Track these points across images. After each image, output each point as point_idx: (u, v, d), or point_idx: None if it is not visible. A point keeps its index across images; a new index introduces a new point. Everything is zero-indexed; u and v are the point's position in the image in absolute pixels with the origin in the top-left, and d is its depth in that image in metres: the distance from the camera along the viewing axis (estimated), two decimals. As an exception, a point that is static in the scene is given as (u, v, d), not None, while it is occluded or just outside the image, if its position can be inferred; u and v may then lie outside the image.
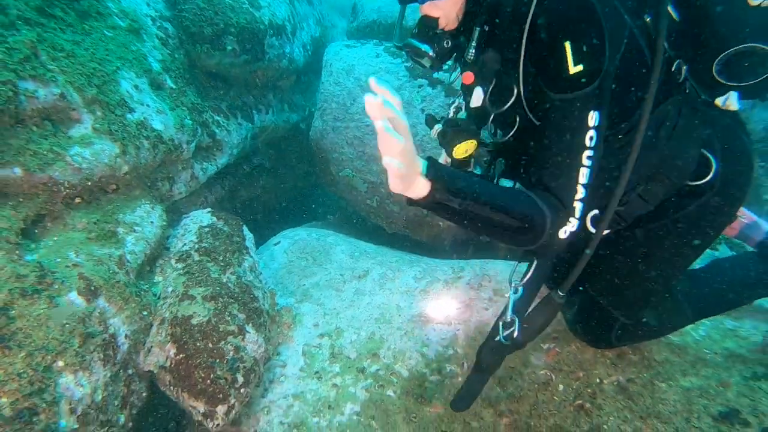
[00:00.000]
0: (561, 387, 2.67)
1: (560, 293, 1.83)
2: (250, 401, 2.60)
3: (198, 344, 2.30)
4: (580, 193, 1.56)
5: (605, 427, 2.45)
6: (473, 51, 1.76)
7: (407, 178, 1.32)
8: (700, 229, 2.05)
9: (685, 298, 2.44)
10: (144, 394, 2.36)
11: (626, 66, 1.63)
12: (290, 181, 5.49)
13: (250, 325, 2.51)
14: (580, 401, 2.58)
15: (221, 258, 2.78)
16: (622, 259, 2.21)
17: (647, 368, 2.69)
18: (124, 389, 2.19)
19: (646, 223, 2.10)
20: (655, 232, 2.11)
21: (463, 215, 1.46)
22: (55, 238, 2.24)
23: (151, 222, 2.71)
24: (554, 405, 2.59)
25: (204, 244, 2.84)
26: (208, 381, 2.21)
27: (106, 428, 2.01)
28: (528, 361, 2.76)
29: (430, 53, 1.76)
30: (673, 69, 1.88)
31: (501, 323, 1.96)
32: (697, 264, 2.40)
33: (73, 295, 2.01)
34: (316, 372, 2.79)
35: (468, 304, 3.13)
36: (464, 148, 1.86)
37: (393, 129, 1.19)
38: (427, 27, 1.75)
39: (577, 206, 1.58)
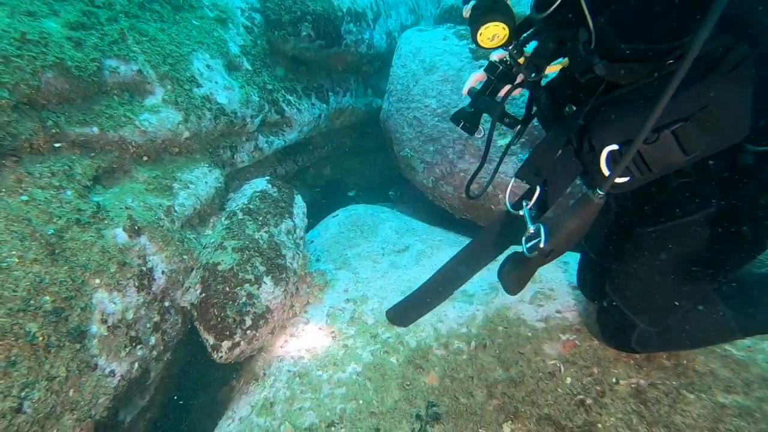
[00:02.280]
0: (568, 380, 2.54)
1: (599, 192, 1.52)
2: (268, 347, 2.91)
3: (218, 287, 2.65)
4: None
5: (599, 425, 2.30)
6: None
7: None
8: (761, 220, 1.68)
9: (731, 306, 2.16)
10: (179, 326, 2.79)
11: None
12: (370, 163, 5.78)
13: (269, 277, 2.81)
14: (582, 396, 2.45)
15: (261, 219, 3.12)
16: (647, 254, 1.98)
17: (679, 376, 2.44)
18: (157, 317, 2.62)
19: (683, 200, 1.79)
20: (695, 219, 1.80)
21: None
22: (121, 187, 2.75)
23: (206, 182, 3.14)
24: (553, 396, 2.48)
25: (250, 206, 3.21)
26: (219, 318, 2.55)
27: (134, 343, 2.44)
28: (540, 349, 2.67)
29: None
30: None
31: (524, 238, 1.69)
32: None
33: (119, 231, 2.47)
34: (332, 331, 3.00)
35: (494, 286, 3.09)
36: (493, 32, 1.63)
37: None
38: None
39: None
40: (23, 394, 1.90)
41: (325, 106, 4.57)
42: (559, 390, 2.52)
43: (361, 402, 2.54)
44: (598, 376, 2.50)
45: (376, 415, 2.48)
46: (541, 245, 1.58)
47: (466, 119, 2.06)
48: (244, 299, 2.63)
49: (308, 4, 4.06)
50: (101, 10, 2.88)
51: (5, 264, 2.01)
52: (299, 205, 3.59)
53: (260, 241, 2.95)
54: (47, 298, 2.08)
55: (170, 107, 2.98)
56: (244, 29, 3.99)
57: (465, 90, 2.12)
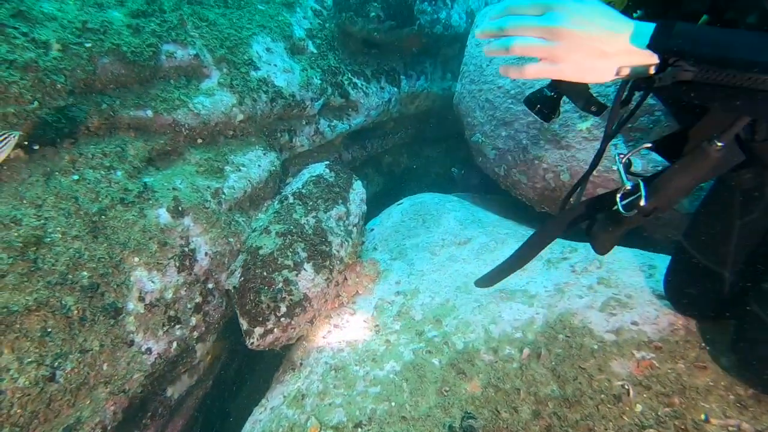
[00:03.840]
0: (638, 408, 2.13)
1: (718, 143, 1.29)
2: (310, 336, 2.83)
3: (257, 271, 2.61)
4: None
5: (667, 468, 1.90)
6: None
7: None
8: None
9: None
10: (222, 309, 2.80)
11: None
12: (452, 151, 5.49)
13: (311, 264, 2.71)
14: (654, 431, 2.04)
15: (311, 203, 3.04)
16: None
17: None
18: (200, 298, 2.65)
19: None
20: None
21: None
22: (173, 168, 2.81)
23: (259, 165, 3.13)
24: (615, 425, 2.09)
25: (303, 190, 3.15)
26: (254, 303, 2.50)
27: (173, 323, 2.48)
28: (606, 366, 2.27)
29: None
30: None
31: (619, 195, 1.49)
32: None
33: (162, 211, 2.51)
34: (377, 325, 2.84)
35: (560, 287, 2.73)
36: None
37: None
38: None
39: None
40: (56, 363, 1.98)
41: (395, 90, 4.38)
42: (625, 418, 2.12)
43: (393, 404, 2.35)
44: (680, 408, 2.06)
45: (406, 421, 2.28)
46: (642, 203, 1.40)
47: (543, 104, 1.80)
48: (280, 285, 2.56)
49: (377, -17, 3.89)
50: (164, -2, 2.96)
51: (48, 239, 2.11)
52: (357, 191, 3.47)
53: (306, 226, 2.87)
54: (85, 273, 2.16)
55: (225, 90, 2.99)
56: (313, 13, 3.93)
57: None
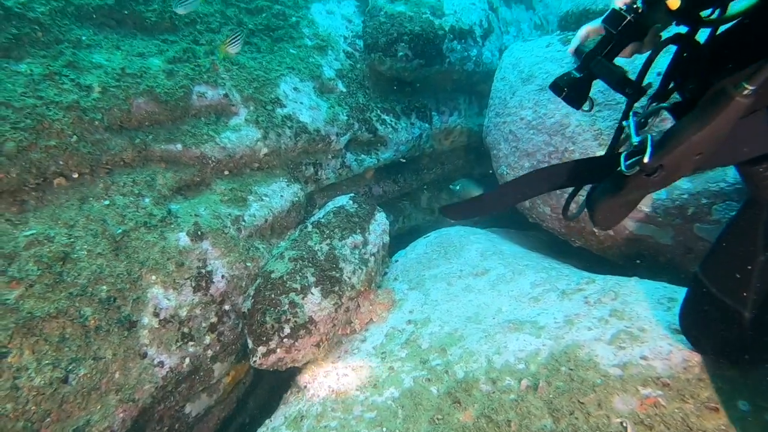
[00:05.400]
0: (638, 448, 1.99)
1: (747, 86, 1.07)
2: (318, 360, 2.88)
3: (267, 293, 2.73)
4: None
5: None
6: None
7: None
8: None
9: None
10: (238, 330, 2.94)
11: None
12: (493, 187, 5.45)
13: (318, 288, 2.80)
14: (651, 472, 1.88)
15: (327, 232, 3.16)
16: None
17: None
18: (215, 318, 2.80)
19: None
20: None
21: None
22: (200, 197, 3.05)
23: (281, 196, 3.31)
24: (611, 463, 1.96)
25: (322, 220, 3.28)
26: (259, 323, 2.61)
27: (186, 339, 2.64)
28: (607, 401, 2.12)
29: None
30: None
31: (624, 153, 1.30)
32: None
33: (182, 235, 2.73)
34: (383, 352, 2.85)
35: (570, 319, 2.61)
36: None
37: None
38: None
39: None
40: (70, 367, 2.18)
41: (427, 125, 4.49)
42: (622, 458, 1.98)
43: (384, 430, 2.33)
44: (683, 451, 1.90)
45: (395, 447, 2.25)
46: (645, 159, 1.19)
47: (571, 87, 1.60)
48: (286, 307, 2.66)
49: (405, 25, 4.08)
50: (201, 47, 3.31)
51: (75, 255, 2.36)
52: (379, 222, 3.54)
53: (318, 252, 2.97)
54: (104, 287, 2.38)
55: (251, 126, 3.24)
56: (345, 55, 4.18)
57: (572, 48, 1.70)
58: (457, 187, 4.56)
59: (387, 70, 4.15)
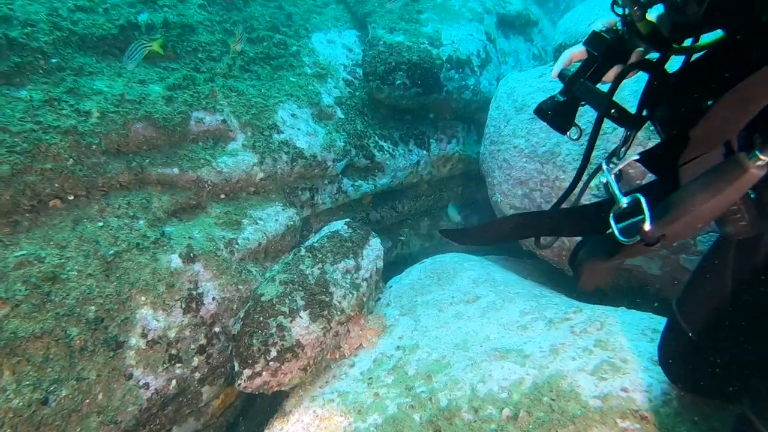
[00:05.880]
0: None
1: (762, 156, 0.99)
2: (306, 385, 2.86)
3: (256, 316, 2.74)
4: None
5: None
6: None
7: None
8: None
9: None
10: (228, 353, 2.93)
11: None
12: (492, 214, 5.45)
13: (307, 312, 2.80)
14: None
15: (319, 256, 3.17)
16: None
17: None
18: (204, 340, 2.81)
19: None
20: None
21: None
22: (195, 220, 3.10)
23: (276, 220, 3.35)
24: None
25: (316, 244, 3.31)
26: (246, 346, 2.61)
27: (173, 361, 2.64)
28: (588, 435, 2.09)
29: None
30: None
31: (613, 215, 1.21)
32: None
33: (174, 257, 2.76)
34: (370, 378, 2.82)
35: (556, 348, 2.58)
36: None
37: None
38: None
39: None
40: (51, 388, 2.19)
41: (425, 152, 4.54)
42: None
43: (366, 457, 2.30)
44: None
45: (374, 475, 2.21)
46: (646, 227, 1.08)
47: (556, 111, 1.56)
48: (273, 330, 2.66)
49: (404, 54, 4.17)
50: (202, 74, 3.41)
51: (65, 275, 2.40)
52: (373, 248, 3.56)
53: (309, 276, 2.99)
54: (92, 307, 2.41)
55: (248, 151, 3.31)
56: (344, 82, 4.27)
57: (555, 72, 1.65)
58: (451, 211, 4.59)
59: (385, 98, 4.22)
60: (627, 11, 1.33)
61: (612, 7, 1.36)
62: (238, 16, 4.19)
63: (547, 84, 3.61)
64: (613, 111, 1.42)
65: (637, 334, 2.46)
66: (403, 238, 4.95)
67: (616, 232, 1.16)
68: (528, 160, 3.47)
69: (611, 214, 1.19)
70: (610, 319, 2.65)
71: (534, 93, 3.64)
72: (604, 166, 1.32)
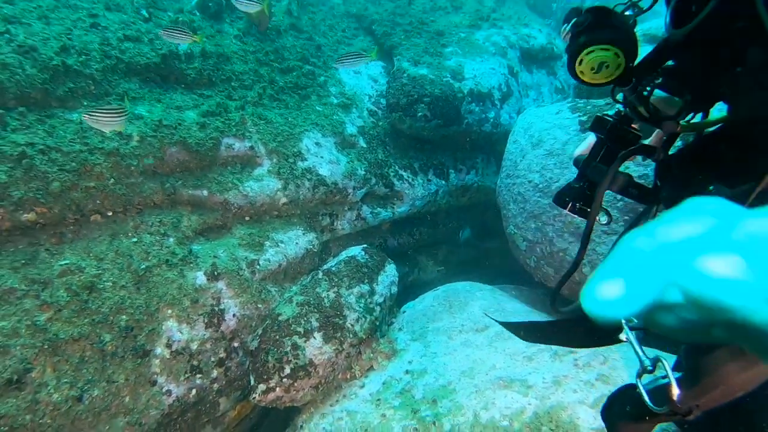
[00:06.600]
0: None
1: None
2: (317, 403, 3.00)
3: (272, 334, 2.91)
4: None
5: None
6: None
7: None
8: None
9: None
10: (245, 367, 3.09)
11: None
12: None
13: (321, 333, 2.95)
14: None
15: (336, 280, 3.34)
16: None
17: None
18: (223, 353, 2.98)
19: None
20: None
21: None
22: (221, 240, 3.30)
23: (296, 243, 3.53)
24: None
25: (333, 268, 3.47)
26: (262, 362, 2.77)
27: (194, 371, 2.81)
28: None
29: None
30: None
31: (639, 376, 1.03)
32: None
33: (200, 274, 2.96)
34: (378, 399, 2.94)
35: (558, 380, 2.67)
36: (598, 59, 1.19)
37: None
38: None
39: None
40: (86, 387, 2.38)
41: (443, 182, 4.70)
42: None
43: (369, 475, 2.41)
44: None
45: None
46: (674, 396, 0.93)
47: (575, 198, 1.53)
48: (288, 349, 2.82)
49: (426, 87, 4.37)
50: (233, 102, 3.66)
51: (101, 286, 2.61)
52: (388, 274, 3.71)
53: (325, 299, 3.15)
54: (124, 317, 2.61)
55: (273, 176, 3.52)
56: (368, 112, 4.49)
57: (574, 160, 1.64)
58: (463, 235, 4.70)
59: (407, 129, 4.41)
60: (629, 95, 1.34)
61: (612, 95, 1.37)
62: (271, 47, 4.47)
63: (563, 121, 3.74)
64: (631, 189, 1.41)
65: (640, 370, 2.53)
66: (420, 264, 5.08)
67: (647, 400, 1.03)
68: (542, 195, 3.59)
69: (636, 378, 1.02)
70: (615, 353, 2.73)
71: (550, 129, 3.77)
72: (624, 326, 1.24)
